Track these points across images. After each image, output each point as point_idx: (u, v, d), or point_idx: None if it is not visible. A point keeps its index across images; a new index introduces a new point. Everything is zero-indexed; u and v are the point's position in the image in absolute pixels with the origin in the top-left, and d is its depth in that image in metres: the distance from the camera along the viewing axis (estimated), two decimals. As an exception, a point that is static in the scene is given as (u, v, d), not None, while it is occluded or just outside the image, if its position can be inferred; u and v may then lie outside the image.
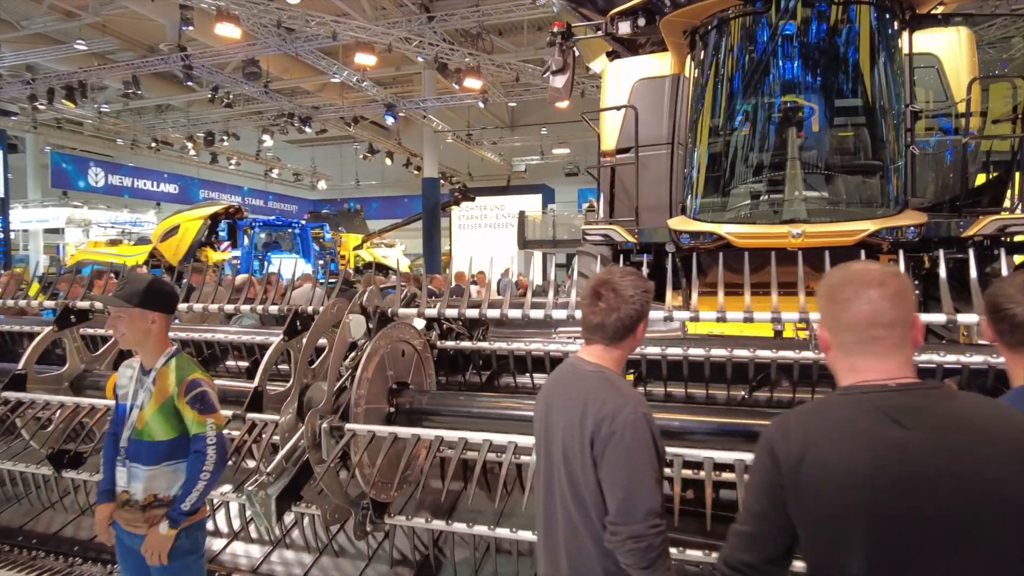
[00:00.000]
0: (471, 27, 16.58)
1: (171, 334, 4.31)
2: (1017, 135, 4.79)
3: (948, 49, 5.63)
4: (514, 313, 3.01)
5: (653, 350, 3.29)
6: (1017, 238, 4.85)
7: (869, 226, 4.61)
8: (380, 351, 2.94)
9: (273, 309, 3.51)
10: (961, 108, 5.37)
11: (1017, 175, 4.90)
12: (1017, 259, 5.59)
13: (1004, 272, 5.05)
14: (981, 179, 5.64)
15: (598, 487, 1.79)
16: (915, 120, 4.92)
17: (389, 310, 3.05)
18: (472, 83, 16.11)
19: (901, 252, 4.48)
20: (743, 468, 2.27)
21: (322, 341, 3.24)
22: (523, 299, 3.27)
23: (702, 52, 5.13)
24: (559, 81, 5.34)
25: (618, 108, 5.75)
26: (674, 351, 3.26)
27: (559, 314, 3.02)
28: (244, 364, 4.31)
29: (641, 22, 5.00)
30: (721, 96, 5.11)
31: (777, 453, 1.37)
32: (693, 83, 5.27)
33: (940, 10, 4.87)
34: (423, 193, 25.57)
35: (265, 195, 37.91)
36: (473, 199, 29.27)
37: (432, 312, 3.12)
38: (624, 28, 5.07)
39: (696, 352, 3.11)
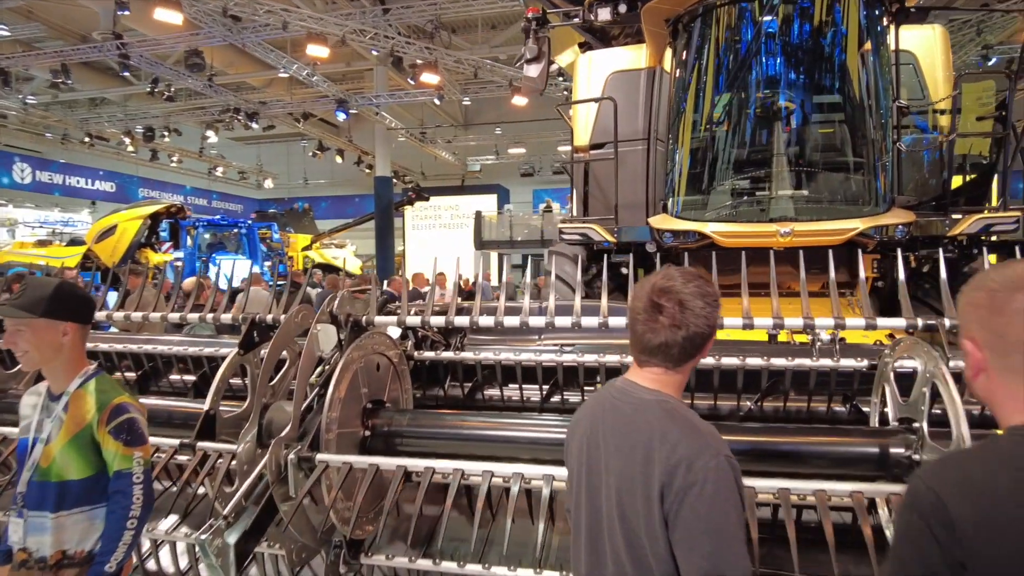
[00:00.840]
0: (426, 23, 16.14)
1: (104, 346, 3.84)
2: (999, 133, 4.70)
3: (924, 47, 5.56)
4: (511, 321, 2.66)
5: (612, 358, 3.01)
6: (1001, 237, 4.79)
7: (858, 224, 4.46)
8: (353, 366, 2.56)
9: (226, 317, 3.07)
10: (941, 105, 5.31)
11: (997, 174, 4.82)
12: (990, 259, 5.53)
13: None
14: (957, 180, 5.59)
15: (669, 553, 1.41)
16: (901, 116, 4.79)
17: (363, 318, 2.67)
18: (429, 78, 15.65)
19: (899, 251, 4.38)
20: (825, 500, 1.96)
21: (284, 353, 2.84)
22: (515, 304, 2.94)
23: (685, 42, 4.89)
24: (533, 70, 5.02)
25: (596, 100, 5.47)
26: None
27: (562, 321, 2.68)
28: (191, 378, 3.82)
29: (622, 8, 4.73)
30: (705, 89, 4.88)
31: (952, 518, 1.02)
32: (675, 75, 5.02)
33: (924, 2, 4.76)
34: (375, 192, 24.94)
35: (209, 194, 36.50)
36: (427, 199, 28.81)
37: (415, 320, 2.74)
38: (604, 15, 4.79)
39: (705, 361, 2.82)
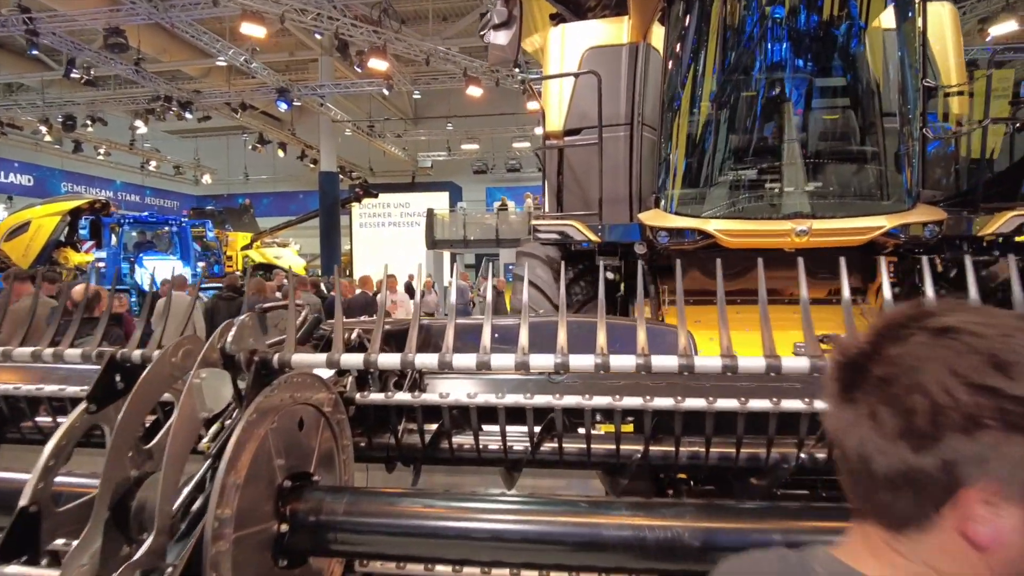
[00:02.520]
0: (373, 8, 15.11)
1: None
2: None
3: (932, 27, 4.98)
4: (501, 361, 1.82)
5: (632, 401, 2.15)
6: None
7: (883, 222, 3.82)
8: (260, 428, 1.69)
9: (72, 353, 2.15)
10: (954, 91, 4.75)
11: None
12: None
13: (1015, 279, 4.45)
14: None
15: None
16: (928, 98, 4.18)
17: (275, 357, 1.81)
18: (377, 64, 14.60)
19: (924, 256, 3.73)
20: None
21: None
22: (506, 323, 2.13)
23: (684, 12, 4.16)
24: (502, 37, 4.24)
25: (576, 74, 4.69)
26: (663, 402, 2.07)
27: (582, 362, 1.85)
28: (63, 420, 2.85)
29: (610, -33, 3.98)
30: (706, 67, 4.18)
31: None
32: (671, 51, 4.29)
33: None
34: (320, 188, 23.68)
35: (142, 190, 34.39)
36: (375, 195, 27.69)
37: (354, 361, 1.88)
38: (589, -28, 4.02)
39: (694, 404, 1.96)
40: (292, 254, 27.83)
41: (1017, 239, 4.42)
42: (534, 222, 4.66)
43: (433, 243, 24.60)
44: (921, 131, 4.04)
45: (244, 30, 13.66)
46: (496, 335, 2.50)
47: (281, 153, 26.84)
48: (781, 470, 1.98)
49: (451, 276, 27.90)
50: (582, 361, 1.76)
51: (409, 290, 20.90)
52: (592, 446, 2.23)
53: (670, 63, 4.32)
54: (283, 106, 19.60)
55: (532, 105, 18.36)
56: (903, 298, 4.70)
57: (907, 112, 3.97)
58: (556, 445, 2.46)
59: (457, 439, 2.62)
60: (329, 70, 21.52)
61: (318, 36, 17.16)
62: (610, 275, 4.66)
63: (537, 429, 2.33)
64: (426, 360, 1.82)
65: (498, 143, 30.01)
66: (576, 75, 4.71)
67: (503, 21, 4.21)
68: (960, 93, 4.73)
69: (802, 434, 1.86)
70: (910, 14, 3.92)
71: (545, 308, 5.09)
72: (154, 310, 7.39)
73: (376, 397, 2.28)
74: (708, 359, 1.71)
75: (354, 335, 2.59)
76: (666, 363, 1.75)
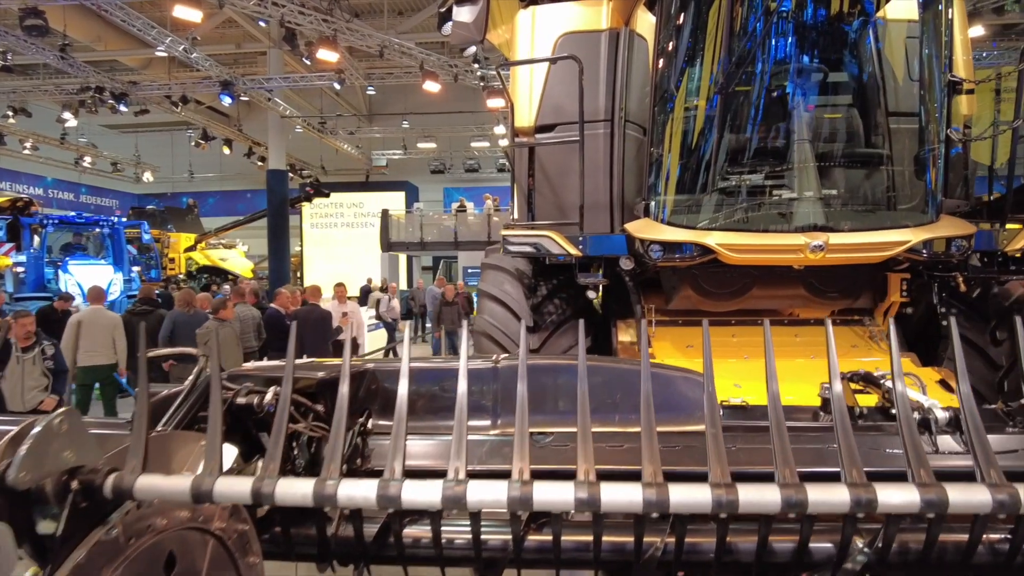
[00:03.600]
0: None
1: None
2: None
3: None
4: (480, 495, 1.15)
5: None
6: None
7: (908, 236, 3.30)
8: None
9: None
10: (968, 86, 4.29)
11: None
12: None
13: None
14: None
15: None
16: (954, 94, 3.69)
17: (108, 481, 1.10)
18: (327, 56, 13.70)
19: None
20: None
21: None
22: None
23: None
24: (466, 14, 3.58)
25: (552, 60, 4.06)
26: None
27: (612, 496, 1.19)
28: None
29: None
30: (705, 57, 3.60)
31: None
32: (662, 39, 3.70)
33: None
34: (268, 187, 22.55)
35: (77, 187, 32.48)
36: (327, 195, 26.74)
37: (239, 492, 1.17)
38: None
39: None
40: (238, 256, 26.63)
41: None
42: (504, 232, 4.01)
43: (388, 245, 23.71)
44: (946, 133, 3.54)
45: (178, 14, 12.61)
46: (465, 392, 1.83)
47: (227, 150, 25.51)
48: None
49: (411, 279, 26.88)
50: (612, 495, 1.09)
51: (365, 295, 20.00)
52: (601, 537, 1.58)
53: (661, 52, 3.72)
54: (227, 100, 18.47)
55: (492, 103, 17.70)
56: (918, 320, 4.23)
57: (933, 111, 3.47)
58: (548, 537, 1.81)
59: (412, 530, 1.96)
60: (278, 63, 20.46)
61: (263, 24, 16.13)
62: (591, 294, 4.05)
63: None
64: (356, 492, 1.14)
65: (456, 142, 29.25)
66: (553, 60, 4.08)
67: (468, -5, 3.55)
68: (969, 92, 4.26)
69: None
70: (938, 2, 3.41)
71: (513, 329, 4.45)
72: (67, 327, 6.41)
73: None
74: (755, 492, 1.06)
75: (268, 398, 1.90)
76: (693, 498, 1.10)
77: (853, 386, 2.49)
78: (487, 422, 2.24)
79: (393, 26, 18.97)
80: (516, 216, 4.51)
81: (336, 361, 2.87)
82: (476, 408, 2.26)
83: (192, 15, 12.73)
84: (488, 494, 1.06)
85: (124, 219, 20.49)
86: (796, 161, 3.42)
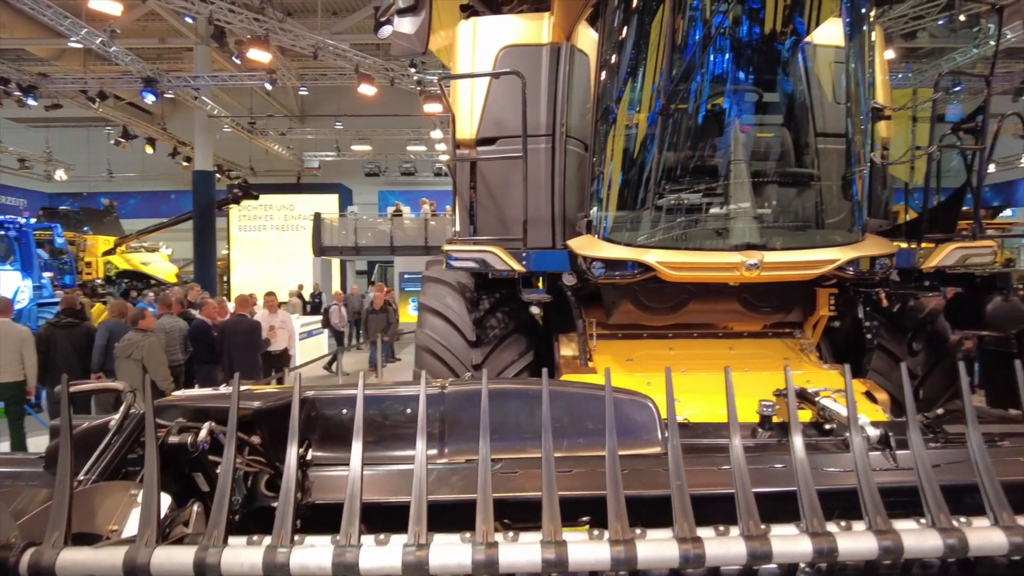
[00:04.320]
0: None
1: None
2: (975, 147, 3.93)
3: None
4: (445, 560, 1.10)
5: None
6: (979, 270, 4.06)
7: (837, 255, 3.45)
8: None
9: None
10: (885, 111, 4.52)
11: (971, 195, 4.06)
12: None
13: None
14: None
15: None
16: (877, 120, 3.88)
17: (24, 559, 0.99)
18: (258, 56, 13.23)
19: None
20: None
21: None
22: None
23: (623, 10, 3.62)
24: (408, 24, 3.51)
25: (496, 74, 4.04)
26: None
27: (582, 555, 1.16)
28: None
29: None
30: (645, 76, 3.65)
31: None
32: (603, 56, 3.74)
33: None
34: (194, 189, 21.62)
35: (-22, 185, 30.29)
36: (256, 197, 25.94)
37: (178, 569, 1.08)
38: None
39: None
40: (162, 259, 25.46)
41: (948, 271, 4.24)
42: (446, 247, 3.95)
43: (321, 250, 23.14)
44: (870, 156, 3.72)
45: (96, 6, 11.90)
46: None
47: (149, 149, 24.29)
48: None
49: (345, 285, 26.22)
50: (579, 554, 1.06)
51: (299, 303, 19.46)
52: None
53: (603, 69, 3.76)
54: (150, 98, 17.61)
55: (429, 108, 17.55)
56: (844, 332, 4.42)
57: (859, 135, 3.64)
58: None
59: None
60: (205, 60, 19.66)
61: (189, 20, 15.46)
62: (534, 310, 4.05)
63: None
64: (310, 560, 1.07)
65: (392, 145, 28.85)
66: (496, 75, 4.06)
67: (409, 6, 3.48)
68: (887, 118, 4.50)
69: None
70: (864, 29, 3.58)
71: (455, 344, 4.40)
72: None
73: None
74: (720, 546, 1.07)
75: (203, 435, 1.78)
76: (660, 554, 1.08)
77: (780, 401, 2.57)
78: (434, 451, 2.19)
79: (327, 26, 18.55)
80: (458, 229, 4.47)
81: (270, 389, 2.74)
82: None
83: (112, 7, 12.03)
84: (451, 558, 1.01)
85: (33, 220, 19.21)
86: (732, 181, 3.52)
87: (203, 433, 1.80)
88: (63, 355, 7.18)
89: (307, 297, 20.55)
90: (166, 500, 1.66)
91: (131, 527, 1.42)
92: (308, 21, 18.67)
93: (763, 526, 1.32)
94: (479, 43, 4.49)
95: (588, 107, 4.05)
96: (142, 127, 24.52)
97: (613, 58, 3.71)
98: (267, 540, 1.43)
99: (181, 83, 18.87)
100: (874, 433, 2.11)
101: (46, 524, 1.06)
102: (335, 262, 25.39)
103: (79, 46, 17.11)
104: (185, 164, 25.14)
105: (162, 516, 1.51)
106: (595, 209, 3.75)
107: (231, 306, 9.16)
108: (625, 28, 3.65)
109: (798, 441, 1.21)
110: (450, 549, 1.02)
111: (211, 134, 22.07)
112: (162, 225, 25.65)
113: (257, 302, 9.18)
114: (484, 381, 1.30)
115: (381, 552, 1.03)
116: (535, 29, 4.43)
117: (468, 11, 4.99)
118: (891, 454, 2.07)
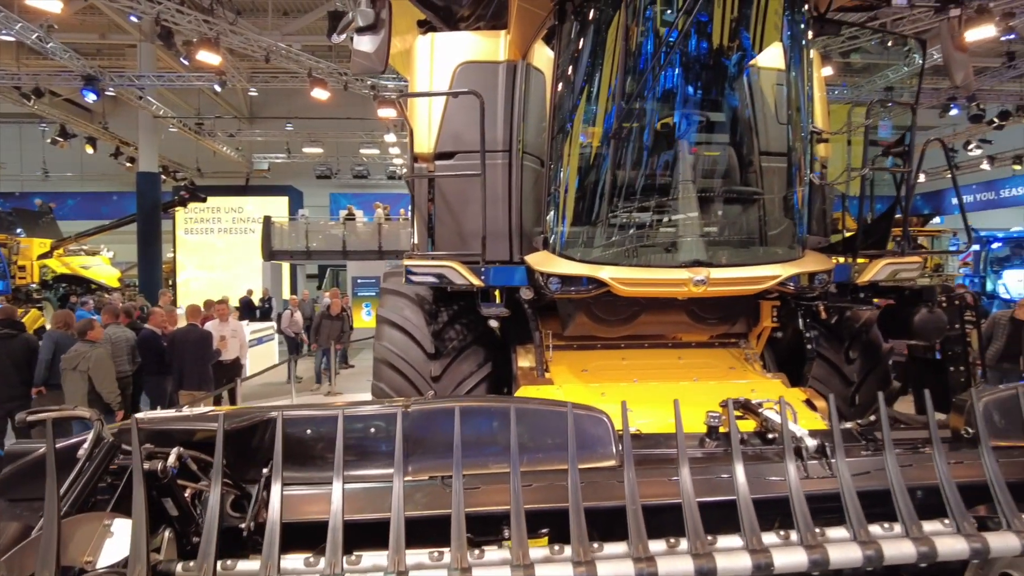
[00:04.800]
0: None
1: None
2: (902, 169, 4.21)
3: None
4: None
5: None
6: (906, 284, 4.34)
7: (779, 271, 3.64)
8: None
9: None
10: (826, 134, 4.78)
11: (900, 213, 4.34)
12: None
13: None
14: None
15: None
16: (815, 143, 4.11)
17: None
18: (208, 58, 12.93)
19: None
20: None
21: None
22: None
23: (578, 31, 3.74)
24: (368, 43, 3.54)
25: (453, 94, 4.11)
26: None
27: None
28: None
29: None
30: (599, 97, 3.79)
31: None
32: (558, 76, 3.85)
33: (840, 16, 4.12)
34: (139, 191, 20.92)
35: (-99, 183, 28.71)
36: (203, 199, 25.33)
37: None
38: (471, -21, 3.48)
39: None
40: (103, 263, 24.54)
41: (880, 284, 4.52)
42: (406, 262, 4.01)
43: (271, 254, 22.68)
44: (809, 177, 3.95)
45: (32, 2, 11.43)
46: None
47: (90, 149, 23.38)
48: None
49: (296, 288, 25.71)
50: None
51: (249, 308, 19.01)
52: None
53: (558, 88, 3.88)
54: (91, 97, 16.99)
55: (383, 112, 17.45)
56: (786, 342, 4.66)
57: (800, 156, 3.86)
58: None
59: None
60: (150, 59, 19.08)
61: (135, 20, 15.01)
62: (493, 322, 4.14)
63: None
64: None
65: (344, 147, 28.50)
66: (455, 94, 4.14)
67: (369, 24, 3.53)
68: (825, 140, 4.76)
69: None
70: (805, 54, 3.80)
71: (414, 356, 4.45)
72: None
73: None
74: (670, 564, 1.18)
75: (171, 461, 1.81)
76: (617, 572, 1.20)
77: (735, 412, 2.73)
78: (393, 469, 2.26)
79: (278, 27, 18.26)
80: (416, 241, 4.52)
81: (233, 408, 2.75)
82: (387, 455, 2.27)
83: (51, 5, 11.57)
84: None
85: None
86: (681, 200, 3.68)
87: (171, 459, 1.84)
88: (1, 369, 6.85)
89: (256, 302, 20.11)
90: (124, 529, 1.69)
91: (105, 558, 1.45)
92: (258, 21, 18.32)
93: (709, 538, 1.45)
94: (437, 59, 4.57)
95: (544, 125, 4.17)
96: (81, 125, 23.59)
97: (566, 78, 3.83)
98: (248, 565, 1.48)
99: (125, 82, 18.27)
100: (812, 444, 2.28)
101: (29, 559, 1.10)
102: (285, 266, 24.93)
103: (11, 39, 16.38)
104: (128, 165, 24.31)
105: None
106: (551, 225, 3.87)
107: (180, 310, 8.95)
108: (579, 49, 3.78)
109: (740, 474, 1.34)
110: (427, 574, 1.10)
111: (156, 134, 21.41)
112: (103, 228, 24.74)
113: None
114: (456, 424, 1.38)
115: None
116: (492, 46, 4.53)
117: (426, 26, 5.05)
118: (827, 463, 2.23)
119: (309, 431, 2.31)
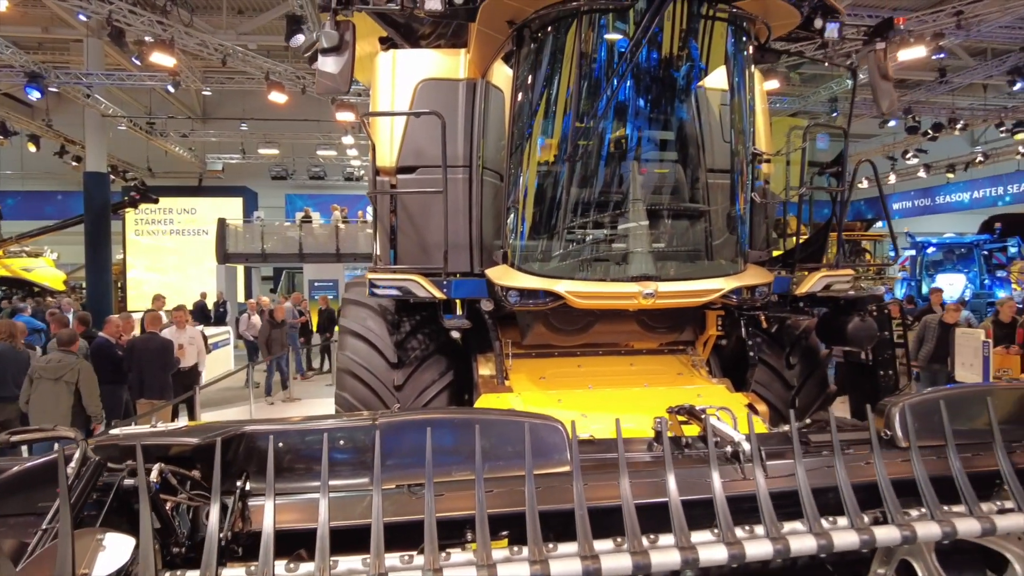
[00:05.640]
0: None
1: None
2: (836, 189, 4.54)
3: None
4: None
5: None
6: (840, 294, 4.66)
7: (722, 285, 3.91)
8: None
9: None
10: (768, 153, 5.09)
11: (835, 229, 4.67)
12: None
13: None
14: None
15: None
16: (755, 163, 4.39)
17: None
18: (162, 59, 12.70)
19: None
20: None
21: None
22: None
23: (535, 53, 3.93)
24: (332, 64, 3.67)
25: (418, 113, 4.26)
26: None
27: None
28: None
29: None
30: (555, 117, 3.99)
31: None
32: (517, 93, 4.04)
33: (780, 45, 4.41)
34: (86, 191, 20.28)
35: None
36: (155, 200, 24.75)
37: None
38: (433, 4, 3.62)
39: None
40: (47, 265, 23.77)
41: (817, 295, 4.84)
42: (369, 276, 4.14)
43: (225, 256, 22.30)
44: (751, 194, 4.24)
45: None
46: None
47: (32, 147, 22.56)
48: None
49: (250, 292, 25.28)
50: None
51: (203, 313, 18.65)
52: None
53: (516, 107, 4.07)
54: (35, 94, 16.47)
55: (341, 116, 17.39)
56: (730, 349, 4.94)
57: (743, 174, 4.13)
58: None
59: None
60: (98, 55, 18.53)
61: (83, 19, 14.64)
62: (454, 333, 4.30)
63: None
64: None
65: (300, 148, 28.17)
66: (417, 114, 4.29)
67: (333, 46, 3.65)
68: (767, 161, 5.06)
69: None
70: (747, 80, 4.07)
71: (377, 365, 4.58)
72: None
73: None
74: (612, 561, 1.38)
75: (154, 476, 1.92)
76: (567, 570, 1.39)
77: (680, 418, 2.96)
78: (365, 479, 2.40)
79: (233, 26, 18.00)
80: (379, 254, 4.65)
81: (208, 423, 2.84)
82: (355, 465, 2.41)
83: (-3, 2, 11.21)
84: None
85: None
86: (632, 217, 3.91)
87: (154, 474, 1.95)
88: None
89: (210, 306, 19.75)
90: (130, 542, 1.80)
91: (99, 570, 1.56)
92: (212, 19, 18.01)
93: (651, 536, 1.64)
94: (398, 75, 4.71)
95: (503, 142, 4.35)
96: (23, 123, 22.74)
97: (524, 98, 4.02)
98: (232, 573, 1.62)
99: (71, 80, 17.75)
100: (747, 448, 2.51)
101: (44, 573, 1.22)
102: (240, 269, 24.53)
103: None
104: (75, 164, 23.56)
105: (127, 559, 1.66)
106: (509, 239, 4.06)
107: (136, 315, 8.83)
108: (536, 71, 3.97)
109: (672, 482, 1.53)
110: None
111: (104, 133, 20.77)
112: (48, 228, 23.97)
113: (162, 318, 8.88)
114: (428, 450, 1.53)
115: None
116: (452, 64, 4.69)
117: (387, 43, 5.18)
118: (763, 466, 2.47)
119: (282, 444, 2.43)
